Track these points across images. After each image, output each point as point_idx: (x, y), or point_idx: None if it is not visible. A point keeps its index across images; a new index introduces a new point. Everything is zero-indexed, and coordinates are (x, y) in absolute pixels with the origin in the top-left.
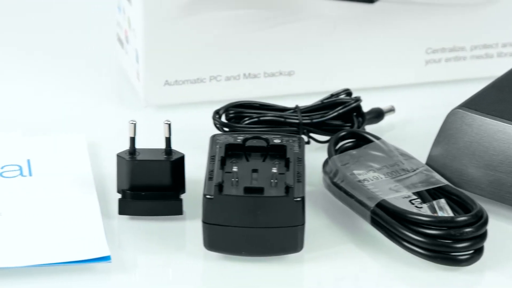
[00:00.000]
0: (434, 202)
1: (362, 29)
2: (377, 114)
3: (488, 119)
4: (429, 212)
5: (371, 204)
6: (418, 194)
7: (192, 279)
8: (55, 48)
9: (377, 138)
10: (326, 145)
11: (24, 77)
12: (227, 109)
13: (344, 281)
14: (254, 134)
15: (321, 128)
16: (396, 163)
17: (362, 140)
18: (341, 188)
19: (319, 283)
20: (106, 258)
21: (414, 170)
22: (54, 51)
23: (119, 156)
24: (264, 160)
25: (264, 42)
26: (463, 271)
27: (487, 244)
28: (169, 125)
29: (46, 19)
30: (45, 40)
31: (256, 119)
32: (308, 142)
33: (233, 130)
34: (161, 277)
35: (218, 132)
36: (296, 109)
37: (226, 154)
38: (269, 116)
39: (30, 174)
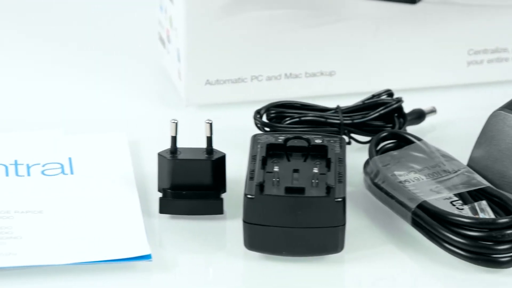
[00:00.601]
0: (476, 204)
1: (404, 30)
2: (419, 115)
3: None
4: (470, 214)
5: (412, 205)
6: (459, 195)
7: (232, 278)
8: (97, 47)
9: (419, 139)
10: (367, 145)
11: (67, 76)
12: (268, 109)
13: (384, 282)
14: (295, 134)
15: (362, 128)
16: (437, 164)
17: (403, 141)
18: (382, 189)
19: (359, 283)
20: (147, 257)
21: (456, 172)
22: (96, 51)
23: (160, 155)
24: (305, 160)
25: (306, 42)
26: (504, 273)
27: None
28: (211, 124)
29: (88, 19)
30: (87, 40)
31: (297, 119)
32: (349, 143)
33: (274, 130)
34: (201, 277)
35: (259, 132)
36: (337, 110)
37: (267, 154)
38: (310, 116)
39: (72, 173)
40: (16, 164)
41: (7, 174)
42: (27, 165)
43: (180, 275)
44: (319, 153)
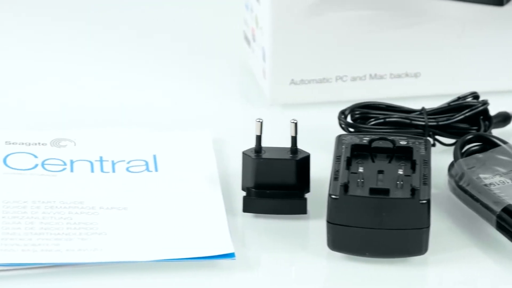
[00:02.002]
0: None
1: (490, 32)
2: (504, 118)
3: None
4: None
5: (497, 209)
6: None
7: (315, 278)
8: (183, 46)
9: (504, 142)
10: (451, 148)
11: (152, 74)
12: (353, 109)
13: (466, 285)
14: (380, 135)
15: (447, 130)
16: None
17: (489, 144)
18: (466, 192)
19: (441, 286)
20: (230, 255)
21: None
22: (181, 50)
23: (244, 154)
24: (390, 162)
25: (391, 43)
26: None
27: None
28: (296, 124)
29: (175, 17)
30: (173, 38)
31: (381, 120)
32: (433, 145)
33: (358, 130)
34: (284, 276)
35: (343, 132)
36: (422, 111)
37: (352, 155)
38: (395, 117)
39: (156, 170)
40: (101, 160)
41: (92, 171)
42: (112, 161)
43: (263, 274)
44: (404, 154)
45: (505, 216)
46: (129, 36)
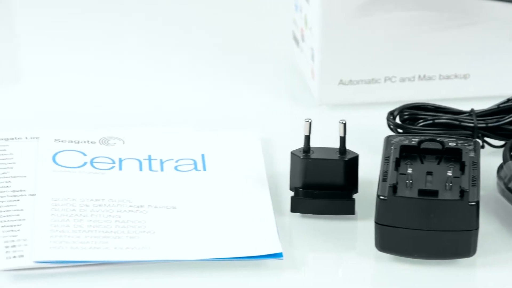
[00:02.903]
0: None
1: None
2: None
3: None
4: None
5: None
6: None
7: (362, 279)
8: (231, 46)
9: None
10: (501, 150)
11: (202, 74)
12: (401, 110)
13: None
14: (429, 136)
15: (496, 132)
16: None
17: None
18: None
19: None
20: (278, 255)
21: None
22: (230, 50)
23: (293, 154)
24: (438, 163)
25: (440, 44)
26: None
27: None
28: (345, 124)
29: (223, 17)
30: (223, 39)
31: (430, 122)
32: (482, 146)
33: (407, 131)
34: (331, 276)
35: (391, 133)
36: (471, 113)
37: (400, 156)
38: (444, 119)
39: (204, 169)
40: (149, 159)
41: (140, 169)
42: (161, 160)
43: (310, 274)
44: (453, 156)
45: None
46: (179, 36)
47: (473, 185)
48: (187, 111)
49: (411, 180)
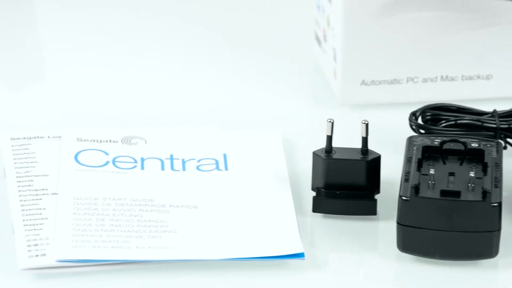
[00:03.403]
0: None
1: None
2: None
3: None
4: None
5: None
6: None
7: (384, 279)
8: (254, 45)
9: None
10: None
11: (224, 74)
12: (424, 111)
13: None
14: (452, 137)
15: None
16: None
17: None
18: None
19: None
20: (299, 255)
21: None
22: (252, 49)
23: (315, 154)
24: (461, 164)
25: (463, 44)
26: None
27: None
28: (367, 124)
29: (246, 17)
30: (245, 38)
31: (453, 122)
32: (505, 147)
33: (429, 132)
34: (352, 276)
35: (413, 133)
36: (494, 114)
37: (423, 156)
38: (466, 119)
39: (226, 169)
40: (171, 158)
41: (162, 168)
42: (183, 160)
43: (331, 274)
44: (475, 157)
45: None
46: (202, 37)
47: (496, 186)
48: (210, 111)
49: (433, 180)
